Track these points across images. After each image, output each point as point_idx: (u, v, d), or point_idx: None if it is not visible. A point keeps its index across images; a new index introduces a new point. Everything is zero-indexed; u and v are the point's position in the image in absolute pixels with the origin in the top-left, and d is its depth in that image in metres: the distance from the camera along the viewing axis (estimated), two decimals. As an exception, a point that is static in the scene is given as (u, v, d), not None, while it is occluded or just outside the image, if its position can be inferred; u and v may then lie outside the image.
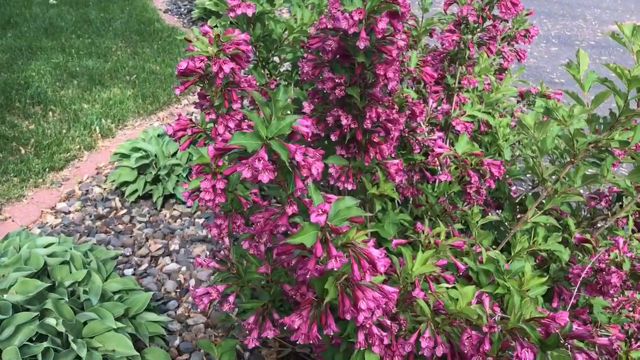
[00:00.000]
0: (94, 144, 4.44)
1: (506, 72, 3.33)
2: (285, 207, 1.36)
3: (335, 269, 1.13)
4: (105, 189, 3.95)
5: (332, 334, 1.26)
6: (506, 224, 2.17)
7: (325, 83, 1.77)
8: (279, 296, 1.38)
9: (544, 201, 2.15)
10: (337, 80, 1.72)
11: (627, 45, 1.72)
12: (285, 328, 1.24)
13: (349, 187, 1.89)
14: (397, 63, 1.69)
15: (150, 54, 6.02)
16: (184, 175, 3.74)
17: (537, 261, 2.20)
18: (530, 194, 2.39)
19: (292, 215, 1.37)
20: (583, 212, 2.50)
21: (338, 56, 1.78)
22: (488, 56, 2.69)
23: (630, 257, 1.88)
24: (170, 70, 5.66)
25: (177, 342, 2.81)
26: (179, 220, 3.70)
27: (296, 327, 1.23)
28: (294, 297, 1.31)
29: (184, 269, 3.28)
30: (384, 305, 1.22)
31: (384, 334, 1.31)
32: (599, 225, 2.30)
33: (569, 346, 1.20)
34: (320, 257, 1.13)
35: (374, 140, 1.85)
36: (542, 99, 3.18)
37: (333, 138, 1.85)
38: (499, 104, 3.05)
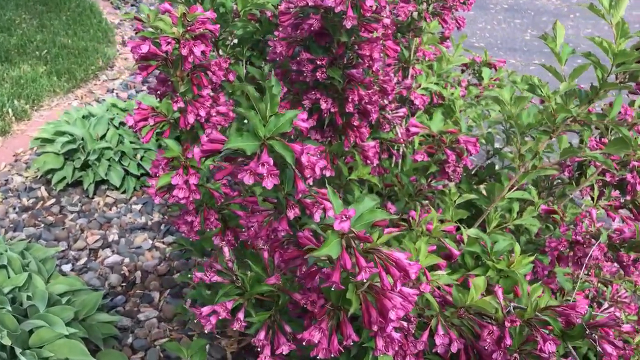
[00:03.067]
0: (8, 128, 4.05)
1: (448, 40, 3.30)
2: (287, 210, 1.24)
3: (365, 280, 1.04)
4: (27, 177, 3.62)
5: (351, 344, 1.17)
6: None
7: (303, 64, 1.63)
8: (286, 306, 1.27)
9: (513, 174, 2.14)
10: (318, 62, 1.59)
11: (605, 17, 1.70)
12: (304, 344, 1.13)
13: (327, 173, 1.78)
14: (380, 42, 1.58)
15: (60, 26, 5.55)
16: (116, 159, 3.48)
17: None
18: (501, 168, 2.38)
19: (295, 219, 1.25)
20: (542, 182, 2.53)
21: (314, 35, 1.65)
22: (442, 26, 2.62)
23: (606, 229, 1.90)
24: (84, 44, 5.24)
25: (130, 340, 2.63)
26: (114, 208, 3.46)
27: (316, 341, 1.13)
28: (304, 305, 1.20)
29: (127, 260, 3.07)
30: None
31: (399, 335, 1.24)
32: (565, 193, 2.32)
33: (595, 336, 1.17)
34: (346, 269, 1.02)
35: (354, 123, 1.75)
36: (486, 67, 3.18)
37: (311, 123, 1.73)
38: (447, 75, 3.02)
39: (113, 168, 3.47)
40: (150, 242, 3.21)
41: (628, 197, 2.15)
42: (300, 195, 1.20)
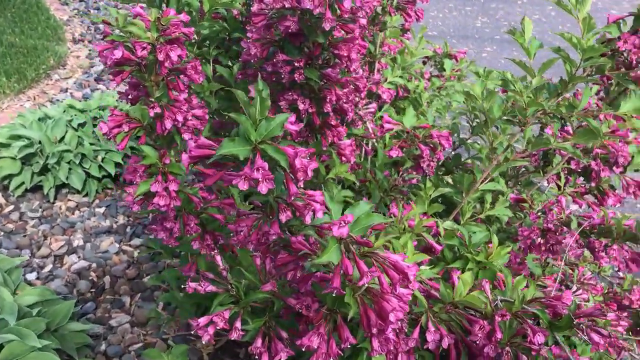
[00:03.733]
0: (-43, 132, 3.88)
1: (408, 32, 3.33)
2: (279, 213, 1.23)
3: (366, 284, 1.05)
4: (-19, 184, 3.50)
5: (349, 346, 1.18)
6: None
7: (279, 66, 1.62)
8: (280, 312, 1.27)
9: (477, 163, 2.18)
10: (296, 64, 1.59)
11: (572, 13, 1.75)
12: (303, 349, 1.13)
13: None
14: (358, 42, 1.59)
15: (5, 23, 5.34)
16: (77, 162, 3.39)
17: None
18: (467, 158, 2.42)
19: (286, 222, 1.25)
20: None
21: (289, 36, 1.64)
22: (405, 19, 2.64)
23: (576, 216, 1.96)
24: (32, 42, 5.06)
25: (103, 347, 2.58)
26: (77, 212, 3.37)
27: (316, 346, 1.13)
28: (299, 310, 1.20)
29: (94, 265, 3.00)
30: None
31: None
32: (532, 182, 2.39)
33: (582, 326, 1.22)
34: (349, 275, 1.03)
35: (331, 123, 1.75)
36: (447, 59, 3.23)
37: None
38: (410, 67, 3.05)
39: (74, 171, 3.38)
40: (117, 245, 3.15)
41: (593, 184, 2.22)
42: (292, 198, 1.20)
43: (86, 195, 3.47)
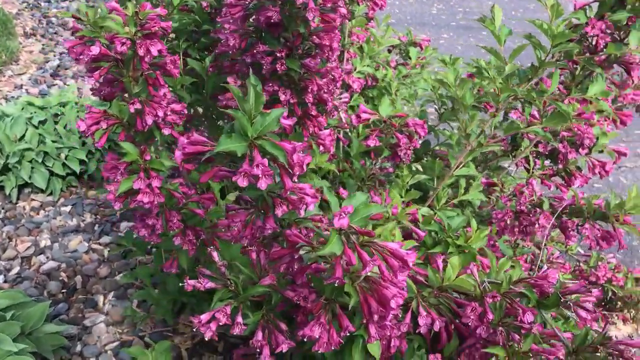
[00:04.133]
0: None
1: (372, 21, 3.35)
2: (275, 208, 1.24)
3: (368, 274, 1.07)
4: (-62, 186, 3.37)
5: (348, 334, 1.20)
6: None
7: (260, 57, 1.62)
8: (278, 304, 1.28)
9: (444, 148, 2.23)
10: (278, 54, 1.59)
11: (541, 0, 1.80)
12: (305, 339, 1.15)
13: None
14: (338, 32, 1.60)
15: (-49, 18, 5.13)
16: (39, 160, 3.30)
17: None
18: (436, 145, 2.47)
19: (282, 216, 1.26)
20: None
21: (268, 26, 1.64)
22: (372, 9, 2.66)
23: (547, 198, 2.03)
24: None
25: (78, 348, 2.54)
26: (42, 212, 3.29)
27: (317, 336, 1.15)
28: (297, 302, 1.22)
29: (64, 265, 2.94)
30: (400, 296, 1.18)
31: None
32: (501, 166, 2.45)
33: (570, 304, 1.27)
34: (352, 265, 1.05)
35: (312, 113, 1.76)
36: (413, 47, 3.27)
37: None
38: (377, 57, 3.07)
39: (36, 170, 3.29)
40: (86, 244, 3.09)
41: (560, 166, 2.30)
42: (288, 193, 1.21)
43: (50, 194, 3.38)
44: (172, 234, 1.80)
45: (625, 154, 2.27)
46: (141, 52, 1.46)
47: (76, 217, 3.29)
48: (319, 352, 1.16)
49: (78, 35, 1.73)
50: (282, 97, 1.66)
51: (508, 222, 2.01)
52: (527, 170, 2.42)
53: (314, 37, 1.61)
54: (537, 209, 2.01)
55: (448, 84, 1.91)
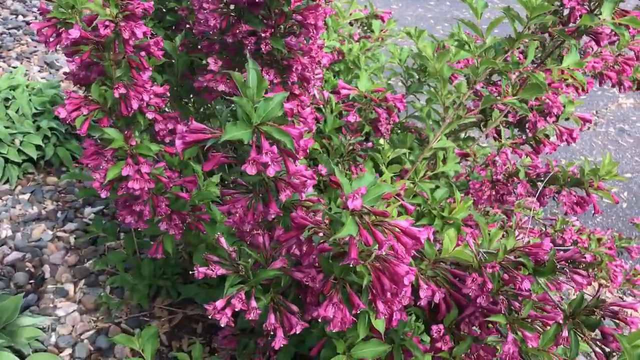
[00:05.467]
0: None
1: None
2: (278, 193, 1.23)
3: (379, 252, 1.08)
4: None
5: (359, 312, 1.22)
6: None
7: (243, 37, 1.59)
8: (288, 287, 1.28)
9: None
10: (262, 34, 1.56)
11: (516, -25, 1.82)
12: (319, 320, 1.16)
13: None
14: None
15: None
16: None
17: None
18: (406, 117, 2.49)
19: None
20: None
21: (248, 5, 1.60)
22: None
23: (522, 166, 2.09)
24: None
25: (53, 339, 2.48)
26: (-1, 201, 3.17)
27: (331, 315, 1.16)
28: (305, 283, 1.22)
29: (29, 255, 2.85)
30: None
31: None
32: (471, 137, 2.50)
33: (566, 270, 1.32)
34: (369, 245, 1.06)
35: (295, 92, 1.74)
36: (375, 20, 3.27)
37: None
38: (342, 31, 3.06)
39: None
40: (51, 232, 3.00)
41: (530, 134, 2.36)
42: (291, 177, 1.20)
43: (7, 182, 3.25)
44: (158, 219, 1.77)
45: (589, 120, 2.35)
46: (126, 34, 1.41)
47: (36, 204, 3.18)
48: (333, 331, 1.17)
49: (48, 17, 1.65)
50: (267, 77, 1.64)
51: (487, 191, 2.06)
52: (496, 140, 2.49)
53: (298, 15, 1.59)
54: (514, 177, 2.07)
55: (426, 57, 1.93)
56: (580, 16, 1.75)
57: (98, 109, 1.58)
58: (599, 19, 1.82)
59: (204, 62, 2.03)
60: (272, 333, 1.22)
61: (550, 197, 2.01)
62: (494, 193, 2.12)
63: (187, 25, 2.30)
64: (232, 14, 1.67)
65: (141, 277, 2.59)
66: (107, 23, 1.40)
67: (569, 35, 1.92)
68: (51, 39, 1.69)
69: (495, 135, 2.46)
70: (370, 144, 2.12)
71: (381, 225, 1.12)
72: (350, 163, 2.07)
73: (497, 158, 2.30)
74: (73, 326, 2.56)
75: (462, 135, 2.66)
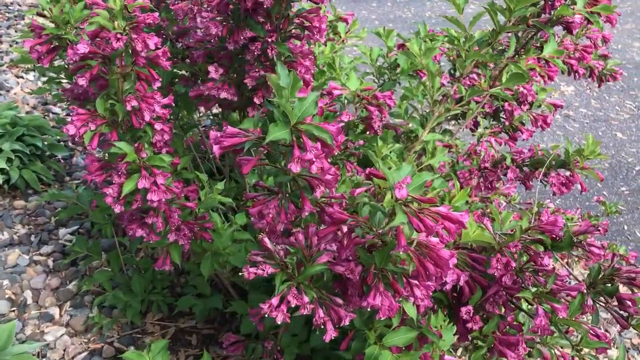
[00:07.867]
0: None
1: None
2: (314, 190, 1.26)
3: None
4: None
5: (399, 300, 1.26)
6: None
7: (247, 42, 1.61)
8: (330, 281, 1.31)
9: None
10: (268, 39, 1.58)
11: (496, -34, 1.91)
12: (369, 309, 1.19)
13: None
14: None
15: None
16: (-44, 173, 3.04)
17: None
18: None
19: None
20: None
21: (250, 12, 1.63)
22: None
23: (508, 153, 2.19)
24: None
25: (45, 365, 2.41)
26: (-34, 229, 3.04)
27: (379, 304, 1.20)
28: (346, 275, 1.25)
29: (6, 282, 2.75)
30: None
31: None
32: (448, 129, 2.59)
33: (583, 243, 1.40)
34: (420, 231, 1.10)
35: (297, 95, 1.77)
36: (340, 22, 3.33)
37: (257, 101, 1.72)
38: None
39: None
40: (27, 257, 2.90)
41: (507, 123, 2.47)
42: (326, 175, 1.24)
43: (-25, 208, 3.13)
44: (167, 231, 1.76)
45: (561, 106, 2.48)
46: (139, 46, 1.41)
47: (7, 229, 3.07)
48: (382, 319, 1.21)
49: (41, 34, 1.63)
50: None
51: (476, 179, 2.15)
52: (473, 131, 2.58)
53: (300, 19, 1.62)
54: (501, 164, 2.16)
55: (413, 53, 1.99)
56: (558, 7, 1.85)
57: (104, 123, 1.57)
58: (572, 9, 1.93)
59: (184, 72, 2.04)
60: (322, 327, 1.24)
61: (538, 180, 2.11)
62: (482, 180, 2.20)
63: (164, 36, 2.29)
64: (231, 21, 1.69)
65: (132, 293, 2.56)
66: (119, 36, 1.39)
67: (549, 26, 2.02)
68: (46, 56, 1.67)
69: (471, 127, 2.55)
70: (361, 142, 2.16)
71: (424, 212, 1.16)
72: (344, 161, 2.11)
73: (478, 147, 2.39)
74: (64, 350, 2.49)
75: (437, 130, 2.74)
